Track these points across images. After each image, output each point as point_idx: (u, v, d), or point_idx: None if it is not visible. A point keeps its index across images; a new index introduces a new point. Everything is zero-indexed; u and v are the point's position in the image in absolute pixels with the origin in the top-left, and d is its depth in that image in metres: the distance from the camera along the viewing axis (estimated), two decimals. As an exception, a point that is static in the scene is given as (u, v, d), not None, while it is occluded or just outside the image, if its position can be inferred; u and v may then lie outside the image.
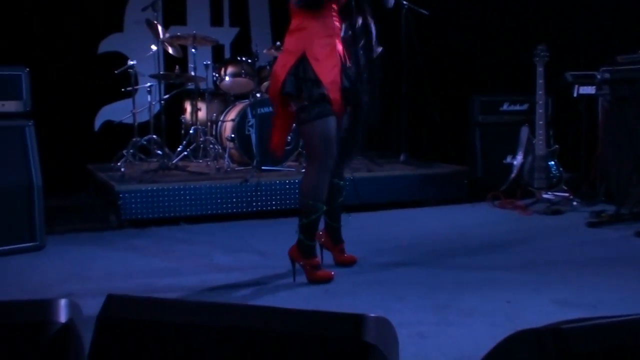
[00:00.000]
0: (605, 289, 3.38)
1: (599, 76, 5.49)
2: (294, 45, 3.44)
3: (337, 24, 3.51)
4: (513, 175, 5.84)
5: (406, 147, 6.49)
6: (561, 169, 5.71)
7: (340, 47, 3.50)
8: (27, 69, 4.46)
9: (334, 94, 3.41)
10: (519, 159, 5.81)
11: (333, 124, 3.41)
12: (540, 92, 5.64)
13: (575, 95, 5.79)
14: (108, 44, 7.50)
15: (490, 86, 6.71)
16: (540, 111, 5.64)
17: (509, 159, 6.08)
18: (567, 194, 5.65)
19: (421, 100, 6.38)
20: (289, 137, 6.01)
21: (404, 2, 6.13)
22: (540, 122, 5.65)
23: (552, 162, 5.69)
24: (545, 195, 5.66)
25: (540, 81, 5.63)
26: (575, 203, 5.58)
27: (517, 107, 6.36)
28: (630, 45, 5.39)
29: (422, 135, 7.04)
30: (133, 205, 5.12)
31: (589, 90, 5.68)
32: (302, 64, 3.37)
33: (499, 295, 3.28)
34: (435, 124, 6.25)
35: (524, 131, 5.83)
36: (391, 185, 5.84)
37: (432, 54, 6.64)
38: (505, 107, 6.36)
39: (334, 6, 3.49)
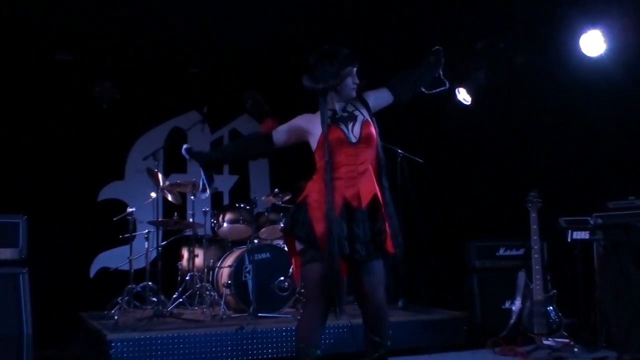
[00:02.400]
0: None
1: (592, 222, 5.64)
2: (307, 185, 3.53)
3: (360, 167, 3.41)
4: (512, 320, 5.83)
5: (404, 293, 6.50)
6: (560, 314, 5.72)
7: (344, 194, 3.36)
8: (25, 217, 4.57)
9: (322, 243, 3.31)
10: (517, 304, 5.83)
11: (321, 271, 3.33)
12: (535, 237, 5.75)
13: (569, 240, 5.89)
14: (108, 192, 7.69)
15: (485, 231, 6.81)
16: (536, 256, 5.73)
17: (507, 304, 6.09)
18: (567, 340, 5.63)
19: (418, 245, 6.45)
20: (286, 283, 6.08)
21: (399, 151, 6.34)
22: (537, 267, 5.72)
23: (551, 307, 5.71)
24: (545, 341, 5.63)
25: (534, 226, 5.76)
26: (576, 349, 5.55)
27: (513, 252, 6.44)
28: (620, 192, 5.59)
29: (420, 281, 7.04)
30: (125, 355, 4.98)
31: (583, 235, 5.80)
32: (302, 206, 3.43)
33: None
34: (433, 269, 6.28)
35: (521, 276, 5.88)
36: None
37: (427, 200, 6.77)
38: (501, 252, 6.43)
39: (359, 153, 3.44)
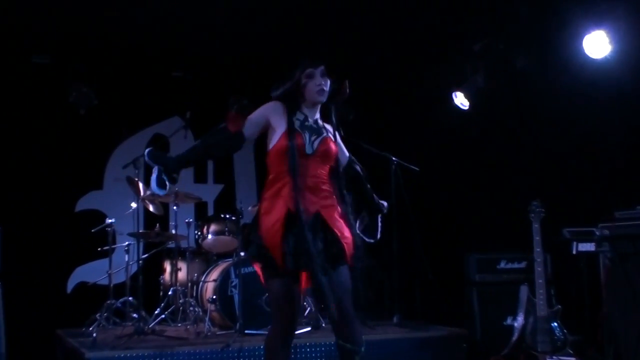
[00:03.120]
0: None
1: (597, 233, 5.52)
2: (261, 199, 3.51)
3: (309, 180, 3.39)
4: (514, 338, 5.70)
5: (399, 309, 6.40)
6: (565, 330, 5.60)
7: (289, 204, 3.32)
8: (0, 228, 4.46)
9: (276, 256, 3.29)
10: (519, 321, 5.70)
11: (280, 287, 3.32)
12: (538, 249, 5.63)
13: (574, 252, 5.79)
14: (86, 202, 7.59)
15: (485, 243, 6.72)
16: (539, 269, 5.61)
17: (509, 321, 5.98)
18: (573, 358, 5.50)
19: (414, 258, 6.37)
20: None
21: (393, 158, 6.27)
22: (540, 281, 5.60)
23: (555, 324, 5.59)
24: (550, 360, 5.51)
25: (537, 238, 5.64)
26: (583, 368, 5.43)
27: (515, 265, 6.34)
28: (628, 201, 5.49)
29: (416, 296, 6.96)
30: (104, 375, 4.91)
31: (589, 247, 5.69)
32: (254, 221, 3.44)
33: None
34: (430, 284, 6.20)
35: (524, 290, 5.76)
36: (384, 349, 5.67)
37: (423, 210, 6.71)
38: (502, 265, 6.33)
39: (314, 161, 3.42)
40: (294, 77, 3.45)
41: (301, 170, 3.36)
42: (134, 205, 6.54)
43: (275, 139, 3.41)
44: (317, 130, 3.48)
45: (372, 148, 6.09)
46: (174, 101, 7.80)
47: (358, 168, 3.73)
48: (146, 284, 6.29)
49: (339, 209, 3.43)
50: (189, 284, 6.51)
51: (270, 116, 3.46)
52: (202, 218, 7.06)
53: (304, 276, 3.36)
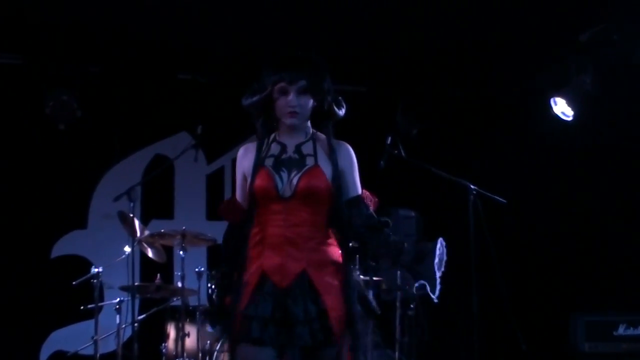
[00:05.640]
0: None
1: None
2: None
3: (289, 231, 3.41)
4: None
5: (480, 388, 6.32)
6: None
7: (263, 265, 3.41)
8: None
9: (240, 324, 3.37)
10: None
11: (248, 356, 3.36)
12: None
13: None
14: (65, 245, 7.62)
15: (597, 301, 6.68)
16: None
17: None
18: None
19: (499, 320, 6.29)
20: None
21: (472, 186, 6.20)
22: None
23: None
24: None
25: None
26: None
27: (639, 331, 6.27)
28: None
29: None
30: None
31: None
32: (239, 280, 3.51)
33: None
34: (522, 355, 6.12)
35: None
36: None
37: (512, 254, 6.66)
38: (621, 330, 6.29)
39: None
40: (263, 90, 3.47)
41: (275, 220, 3.43)
42: (127, 249, 6.51)
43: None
44: (299, 162, 3.48)
45: (443, 173, 6.07)
46: (180, 112, 7.82)
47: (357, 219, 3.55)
48: (143, 354, 6.30)
49: (333, 266, 3.43)
50: (200, 355, 6.48)
51: (245, 167, 3.55)
52: (216, 266, 7.03)
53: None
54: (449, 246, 6.29)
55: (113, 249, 6.89)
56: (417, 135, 8.00)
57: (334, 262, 3.44)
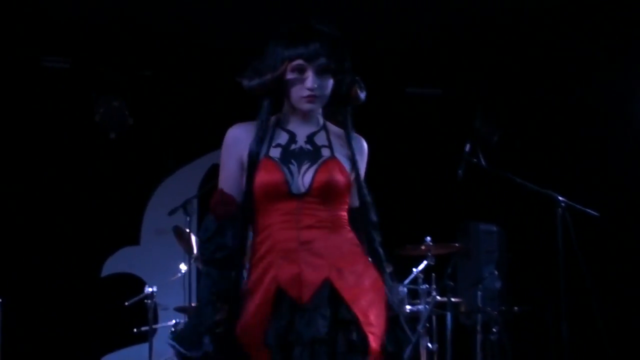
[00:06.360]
0: None
1: None
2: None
3: (304, 234, 3.09)
4: None
5: None
6: None
7: (277, 277, 3.03)
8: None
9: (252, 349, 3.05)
10: None
11: None
12: None
13: None
14: (116, 263, 7.67)
15: None
16: None
17: None
18: None
19: (592, 349, 6.16)
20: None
21: (560, 198, 6.10)
22: None
23: None
24: None
25: None
26: None
27: None
28: None
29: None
30: None
31: None
32: (236, 298, 3.13)
33: None
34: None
35: None
36: None
37: (606, 274, 6.54)
38: None
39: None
40: (276, 67, 3.12)
41: (285, 222, 3.09)
42: (183, 267, 6.55)
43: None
44: (313, 154, 3.17)
45: (528, 184, 5.97)
46: (238, 118, 7.79)
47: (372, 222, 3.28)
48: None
49: (370, 272, 3.12)
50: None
51: (242, 152, 3.19)
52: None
53: None
54: (535, 263, 6.18)
55: (168, 266, 6.91)
56: (498, 142, 7.88)
57: (363, 261, 3.12)
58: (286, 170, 3.09)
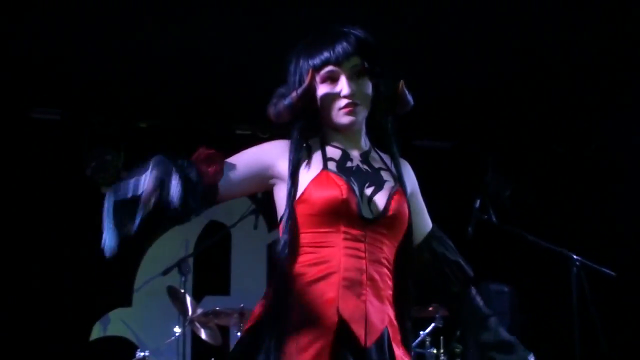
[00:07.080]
0: None
1: None
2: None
3: (372, 267, 2.77)
4: None
5: None
6: None
7: (341, 309, 2.68)
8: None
9: None
10: None
11: None
12: None
13: None
14: (106, 325, 7.68)
15: None
16: None
17: None
18: None
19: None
20: None
21: (575, 257, 6.14)
22: None
23: None
24: None
25: None
26: None
27: None
28: None
29: None
30: None
31: None
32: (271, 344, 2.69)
33: None
34: None
35: None
36: None
37: (624, 337, 6.54)
38: None
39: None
40: (302, 81, 2.84)
41: (352, 250, 2.76)
42: (177, 330, 6.57)
43: (298, 194, 2.80)
44: (374, 176, 2.88)
45: (541, 241, 6.00)
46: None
47: (448, 254, 3.09)
48: None
49: (393, 328, 2.83)
50: None
51: (277, 161, 2.88)
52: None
53: None
54: (548, 325, 6.19)
55: (161, 329, 6.97)
56: (510, 198, 7.93)
57: (393, 324, 2.82)
58: (354, 186, 2.77)
